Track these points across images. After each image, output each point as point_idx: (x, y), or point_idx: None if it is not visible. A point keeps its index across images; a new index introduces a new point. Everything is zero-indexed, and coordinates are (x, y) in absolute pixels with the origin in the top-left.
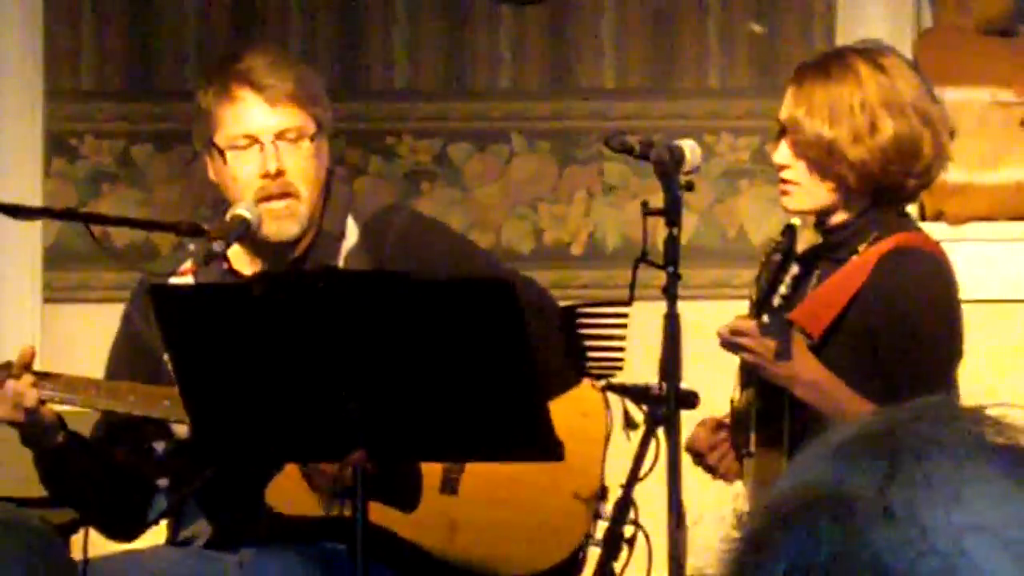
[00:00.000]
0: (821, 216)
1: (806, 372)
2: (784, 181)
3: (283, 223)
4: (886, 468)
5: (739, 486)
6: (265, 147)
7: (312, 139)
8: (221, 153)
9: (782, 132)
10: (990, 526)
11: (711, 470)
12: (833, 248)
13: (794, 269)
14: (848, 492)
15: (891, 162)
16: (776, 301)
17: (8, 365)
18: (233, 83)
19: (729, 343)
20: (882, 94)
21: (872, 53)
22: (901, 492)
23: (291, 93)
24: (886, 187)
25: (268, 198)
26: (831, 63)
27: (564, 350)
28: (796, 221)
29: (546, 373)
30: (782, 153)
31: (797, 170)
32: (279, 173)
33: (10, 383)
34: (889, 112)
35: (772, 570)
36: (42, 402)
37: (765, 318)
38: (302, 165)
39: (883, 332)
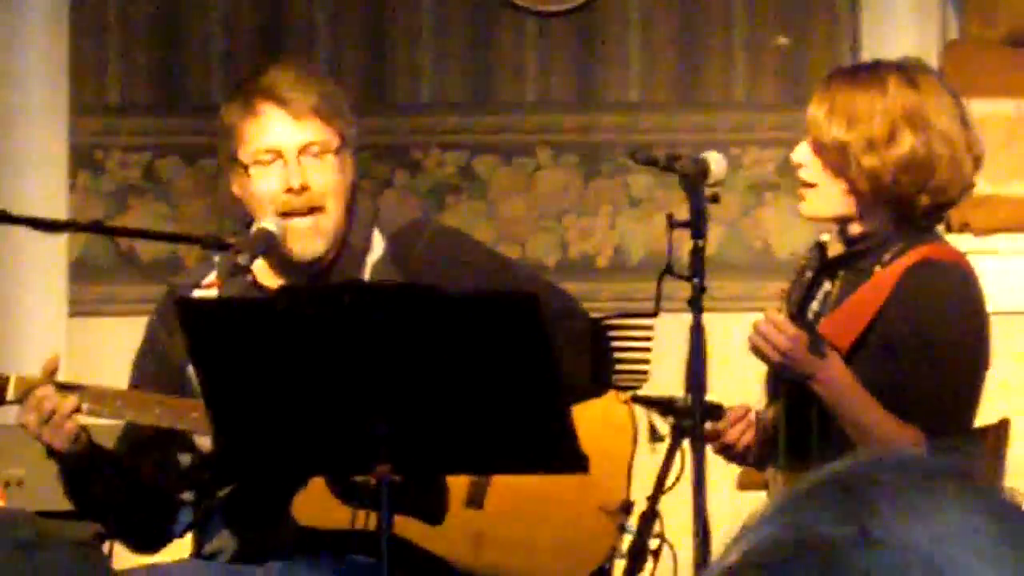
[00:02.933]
0: (842, 225)
1: (829, 370)
2: (802, 184)
3: (308, 242)
4: (854, 502)
5: (763, 497)
6: (289, 162)
7: (336, 153)
8: (245, 168)
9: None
10: (960, 534)
11: (726, 448)
12: (856, 257)
13: (826, 286)
14: (822, 532)
15: (902, 174)
16: (809, 316)
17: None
18: (257, 98)
19: (760, 337)
20: (906, 108)
21: (908, 69)
22: (874, 518)
23: (315, 107)
24: (897, 199)
25: (292, 213)
26: (862, 70)
27: (591, 358)
28: (825, 237)
29: (571, 380)
30: (800, 151)
31: (813, 169)
32: (303, 188)
33: (36, 392)
34: (910, 127)
35: None
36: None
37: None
38: (326, 179)
39: (908, 344)
